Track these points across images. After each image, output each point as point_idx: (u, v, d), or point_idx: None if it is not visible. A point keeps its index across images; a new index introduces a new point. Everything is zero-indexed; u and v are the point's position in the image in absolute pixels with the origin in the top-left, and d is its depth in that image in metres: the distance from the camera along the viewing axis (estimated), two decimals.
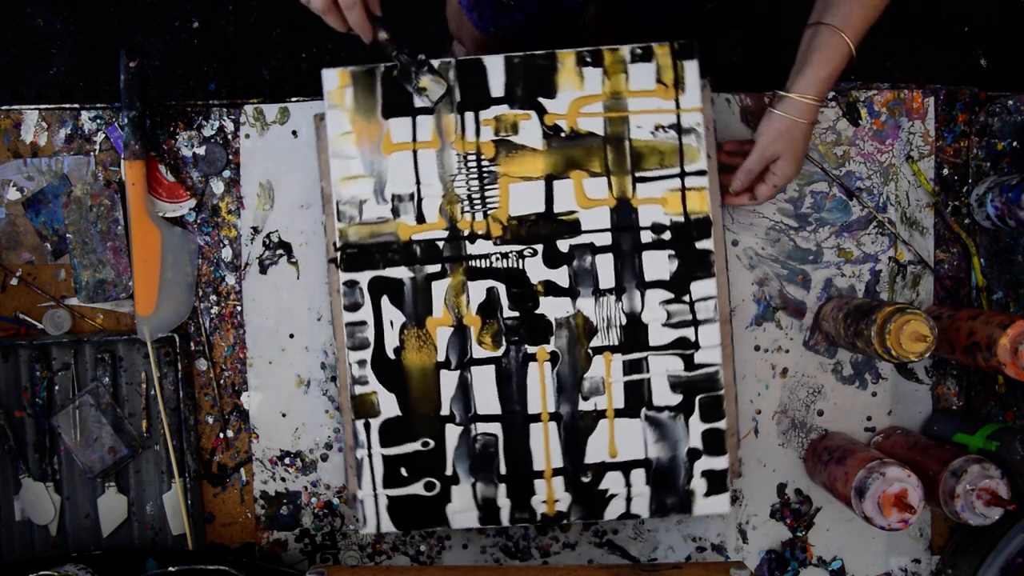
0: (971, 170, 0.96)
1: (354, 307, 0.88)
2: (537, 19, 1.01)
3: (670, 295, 0.88)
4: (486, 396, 0.88)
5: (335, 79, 0.87)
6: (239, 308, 0.96)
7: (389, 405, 0.88)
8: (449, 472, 0.88)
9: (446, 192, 0.88)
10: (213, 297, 0.96)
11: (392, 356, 0.88)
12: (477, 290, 0.88)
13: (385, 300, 0.88)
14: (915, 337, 0.79)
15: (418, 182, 0.88)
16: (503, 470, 0.88)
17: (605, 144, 0.88)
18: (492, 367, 0.88)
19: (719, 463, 0.88)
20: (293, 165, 0.95)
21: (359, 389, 0.88)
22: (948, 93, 0.96)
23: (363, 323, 0.88)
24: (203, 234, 0.96)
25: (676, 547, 0.96)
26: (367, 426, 0.88)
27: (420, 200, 0.88)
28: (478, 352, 0.88)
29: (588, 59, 0.87)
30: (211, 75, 1.73)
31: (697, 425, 0.88)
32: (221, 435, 0.96)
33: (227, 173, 0.96)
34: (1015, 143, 0.95)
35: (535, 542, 0.96)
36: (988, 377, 0.95)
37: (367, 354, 0.88)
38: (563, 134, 0.88)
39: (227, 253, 0.96)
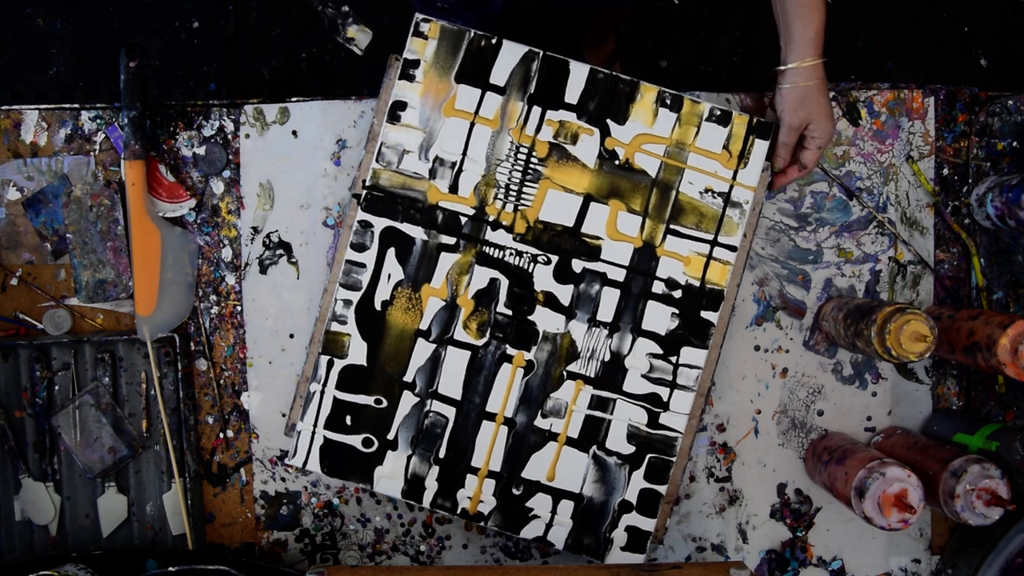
0: (971, 170, 0.96)
1: (360, 248, 0.88)
2: (470, 24, 1.03)
3: (659, 351, 0.89)
4: (452, 378, 0.88)
5: (426, 27, 0.87)
6: (239, 308, 0.96)
7: (358, 352, 0.88)
8: (391, 436, 0.88)
9: (487, 173, 0.88)
10: (213, 297, 0.96)
11: (378, 307, 0.88)
12: (481, 276, 0.88)
13: (391, 253, 0.88)
14: (915, 337, 0.79)
15: (464, 153, 0.88)
16: (442, 453, 0.89)
17: (653, 186, 0.88)
18: (468, 354, 0.88)
19: (646, 524, 0.89)
20: (293, 165, 0.95)
21: (335, 326, 0.88)
22: (948, 93, 0.96)
23: (362, 266, 0.88)
24: (203, 234, 0.96)
25: (676, 547, 0.96)
26: (330, 364, 0.88)
27: (460, 171, 0.88)
28: (460, 334, 0.88)
29: (667, 101, 0.88)
30: (211, 75, 1.73)
31: (639, 481, 0.89)
32: (221, 435, 0.96)
33: (227, 173, 0.96)
34: (1015, 143, 0.95)
35: (535, 542, 0.96)
36: (988, 377, 0.95)
37: (355, 296, 0.88)
38: (617, 162, 0.88)
39: (227, 253, 0.96)
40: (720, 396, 0.95)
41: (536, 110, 0.88)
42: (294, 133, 0.95)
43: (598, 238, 0.88)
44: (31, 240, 0.96)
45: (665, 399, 0.89)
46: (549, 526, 0.89)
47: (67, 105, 0.96)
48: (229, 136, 0.95)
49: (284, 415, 0.95)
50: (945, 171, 0.96)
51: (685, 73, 1.70)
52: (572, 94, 0.88)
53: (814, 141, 0.87)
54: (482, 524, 0.89)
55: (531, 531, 0.89)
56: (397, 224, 0.88)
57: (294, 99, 0.95)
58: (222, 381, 0.96)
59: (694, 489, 0.95)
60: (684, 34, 1.69)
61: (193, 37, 1.72)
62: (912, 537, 0.96)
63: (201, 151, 0.95)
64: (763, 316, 0.95)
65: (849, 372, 0.95)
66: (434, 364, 0.88)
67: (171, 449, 0.93)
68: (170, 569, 0.87)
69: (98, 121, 0.96)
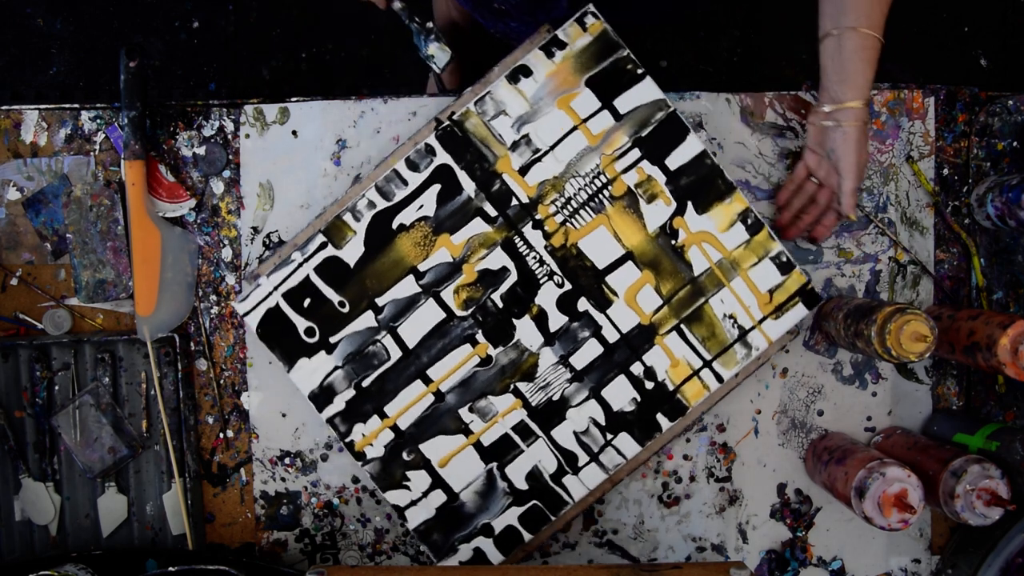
0: (971, 170, 0.96)
1: (412, 166, 0.88)
2: (529, 27, 1.02)
3: (603, 422, 0.89)
4: (416, 326, 0.89)
5: (590, 21, 0.87)
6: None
7: (352, 252, 0.88)
8: (332, 340, 0.89)
9: (560, 177, 0.88)
10: (213, 297, 0.96)
11: (394, 226, 0.88)
12: (497, 259, 0.88)
13: (436, 188, 0.88)
14: (915, 337, 0.79)
15: (552, 148, 0.88)
16: (365, 383, 0.89)
17: (689, 283, 0.88)
18: (443, 316, 0.89)
19: (495, 555, 0.89)
20: (293, 165, 0.95)
21: (348, 217, 0.88)
22: (948, 93, 0.96)
23: (404, 183, 0.88)
24: (203, 234, 0.96)
25: (676, 547, 0.96)
26: (323, 246, 0.88)
27: (538, 160, 0.88)
28: (447, 295, 0.88)
29: (749, 220, 0.88)
30: (211, 75, 1.73)
31: (512, 517, 0.89)
32: (221, 435, 0.96)
33: (227, 173, 0.96)
34: (1015, 143, 0.95)
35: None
36: (988, 377, 0.95)
37: (381, 204, 0.88)
38: (674, 242, 0.88)
39: (227, 253, 0.96)
40: (720, 396, 0.95)
41: (635, 152, 0.88)
42: (294, 133, 0.95)
43: (615, 294, 0.88)
44: (31, 240, 0.96)
45: (580, 464, 0.89)
46: (413, 503, 0.89)
47: (67, 105, 0.96)
48: (229, 136, 0.95)
49: (284, 415, 0.95)
50: (945, 171, 0.96)
51: (685, 73, 1.70)
52: (674, 160, 0.88)
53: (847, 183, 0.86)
54: (360, 464, 0.89)
55: (395, 497, 0.89)
56: (456, 168, 0.88)
57: (294, 99, 0.95)
58: (222, 381, 0.96)
59: (694, 489, 0.96)
60: (684, 34, 1.69)
61: (193, 37, 1.72)
62: (912, 537, 0.96)
63: (201, 151, 0.95)
64: None
65: (849, 372, 0.95)
66: (409, 305, 0.88)
67: (171, 449, 0.93)
68: (170, 569, 0.87)
69: (98, 121, 0.96)
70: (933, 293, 0.96)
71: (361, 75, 1.74)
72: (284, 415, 0.96)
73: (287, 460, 0.96)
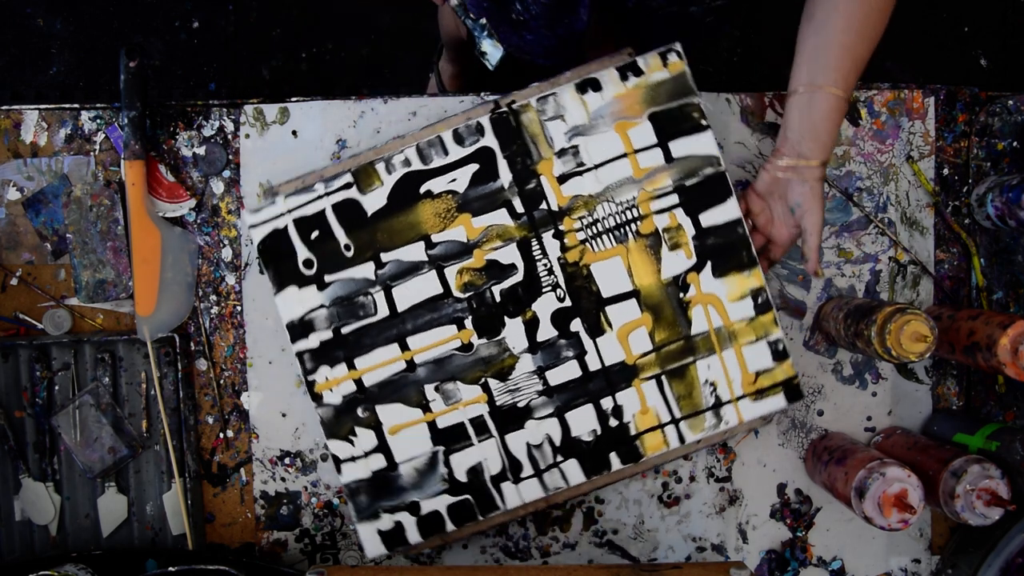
0: (971, 170, 0.96)
1: (457, 139, 0.88)
2: (544, 39, 1.02)
3: (557, 443, 0.88)
4: (409, 293, 0.88)
5: (673, 58, 0.87)
6: (239, 308, 0.96)
7: (374, 202, 0.88)
8: (327, 279, 0.88)
9: (594, 196, 0.87)
10: (213, 297, 0.96)
11: (421, 191, 0.88)
12: (508, 254, 0.88)
13: (471, 167, 0.88)
14: (915, 337, 0.79)
15: (596, 167, 0.87)
16: (343, 331, 0.88)
17: (683, 339, 0.88)
18: (439, 291, 0.88)
19: (413, 536, 0.89)
20: (293, 165, 0.95)
21: (380, 166, 0.88)
22: (948, 93, 0.96)
23: (444, 153, 0.88)
24: (203, 234, 0.96)
25: (676, 547, 0.96)
26: (347, 186, 0.88)
27: (579, 175, 0.88)
28: (450, 272, 0.88)
29: (760, 299, 0.87)
30: (211, 75, 1.73)
31: (441, 504, 0.88)
32: (221, 435, 0.96)
33: (227, 173, 0.96)
34: (1015, 143, 0.95)
35: (535, 542, 0.96)
36: (988, 377, 0.95)
37: (416, 166, 0.88)
38: (681, 295, 0.88)
39: (227, 253, 0.96)
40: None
41: (674, 198, 0.87)
42: (294, 133, 0.95)
43: (610, 325, 0.88)
44: (31, 240, 0.96)
45: (523, 475, 0.88)
46: (352, 458, 0.89)
47: (67, 105, 0.96)
48: (229, 136, 0.95)
49: (284, 415, 0.95)
50: (945, 171, 0.96)
51: None
52: (708, 218, 0.87)
53: (812, 238, 0.85)
54: (314, 406, 0.89)
55: (337, 448, 0.89)
56: (499, 155, 0.87)
57: (294, 99, 0.95)
58: (222, 381, 0.96)
59: (694, 489, 0.96)
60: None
61: (193, 37, 1.72)
62: (912, 537, 0.96)
63: (201, 151, 0.95)
64: None
65: (849, 372, 0.95)
66: (411, 269, 0.88)
67: (171, 449, 0.93)
68: (170, 569, 0.87)
69: (98, 121, 0.96)
70: (933, 293, 0.96)
71: (361, 75, 1.74)
72: (284, 415, 0.96)
73: (287, 460, 0.96)
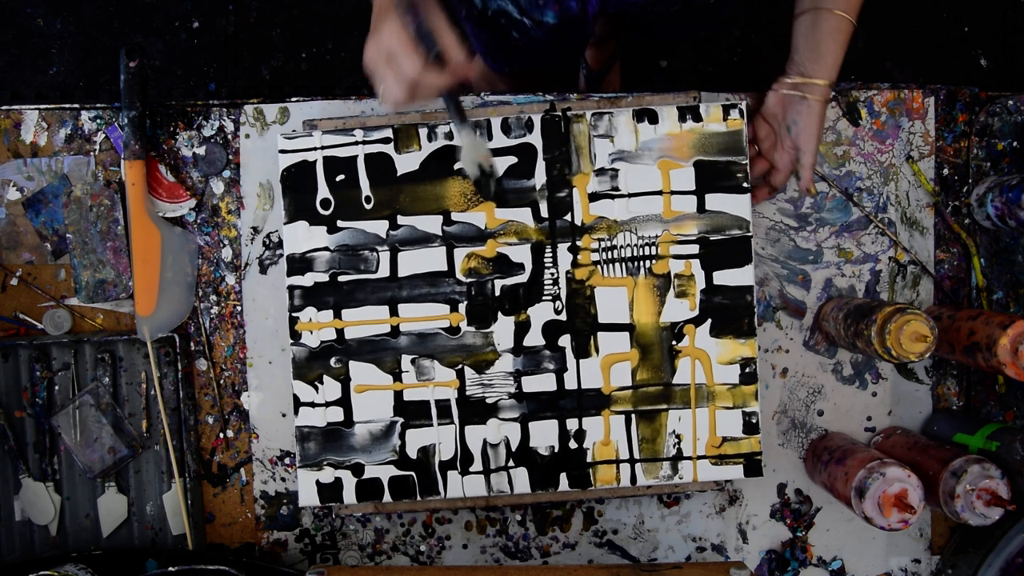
0: (971, 170, 0.96)
1: (505, 129, 0.88)
2: (547, 56, 1.02)
3: (513, 447, 0.89)
4: (414, 261, 0.89)
5: (734, 114, 0.87)
6: (239, 308, 0.96)
7: (407, 165, 0.88)
8: (339, 224, 0.89)
9: (619, 224, 0.88)
10: (213, 297, 0.96)
11: (455, 167, 0.88)
12: (520, 253, 0.88)
13: (511, 160, 0.88)
14: (915, 337, 0.79)
15: (629, 196, 0.88)
16: (340, 279, 0.89)
17: (663, 385, 0.88)
18: (443, 270, 0.89)
19: (349, 493, 0.89)
20: None
21: (423, 131, 0.88)
22: (948, 93, 0.96)
23: (488, 138, 0.88)
24: (203, 234, 0.96)
25: (676, 547, 0.96)
26: (385, 141, 0.88)
27: (609, 197, 0.88)
28: (458, 253, 0.88)
29: (748, 369, 0.88)
30: (211, 75, 1.73)
31: (385, 473, 0.89)
32: (221, 435, 0.96)
33: (227, 173, 0.96)
34: (1015, 143, 0.95)
35: (535, 542, 0.96)
36: (988, 377, 0.95)
37: (458, 141, 0.87)
38: (673, 343, 0.88)
39: (227, 253, 0.96)
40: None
41: (694, 248, 0.88)
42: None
43: (596, 351, 0.89)
44: (31, 240, 0.96)
45: (471, 469, 0.89)
46: (312, 404, 0.89)
47: (67, 105, 0.96)
48: (229, 136, 0.95)
49: (284, 415, 0.95)
50: (945, 171, 0.96)
51: (685, 73, 1.70)
52: (722, 277, 0.88)
53: (806, 158, 0.87)
54: (290, 342, 0.89)
55: (299, 389, 0.89)
56: (540, 155, 0.88)
57: (294, 99, 0.95)
58: (222, 381, 0.96)
59: (694, 489, 0.96)
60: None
61: (193, 37, 1.72)
62: (912, 537, 0.96)
63: (201, 151, 0.95)
64: (763, 316, 0.95)
65: (849, 372, 0.95)
66: (422, 239, 0.88)
67: (171, 449, 0.93)
68: (170, 569, 0.87)
69: (98, 121, 0.96)
70: (933, 293, 0.96)
71: (361, 75, 1.74)
72: (284, 415, 0.96)
73: (287, 460, 0.96)
